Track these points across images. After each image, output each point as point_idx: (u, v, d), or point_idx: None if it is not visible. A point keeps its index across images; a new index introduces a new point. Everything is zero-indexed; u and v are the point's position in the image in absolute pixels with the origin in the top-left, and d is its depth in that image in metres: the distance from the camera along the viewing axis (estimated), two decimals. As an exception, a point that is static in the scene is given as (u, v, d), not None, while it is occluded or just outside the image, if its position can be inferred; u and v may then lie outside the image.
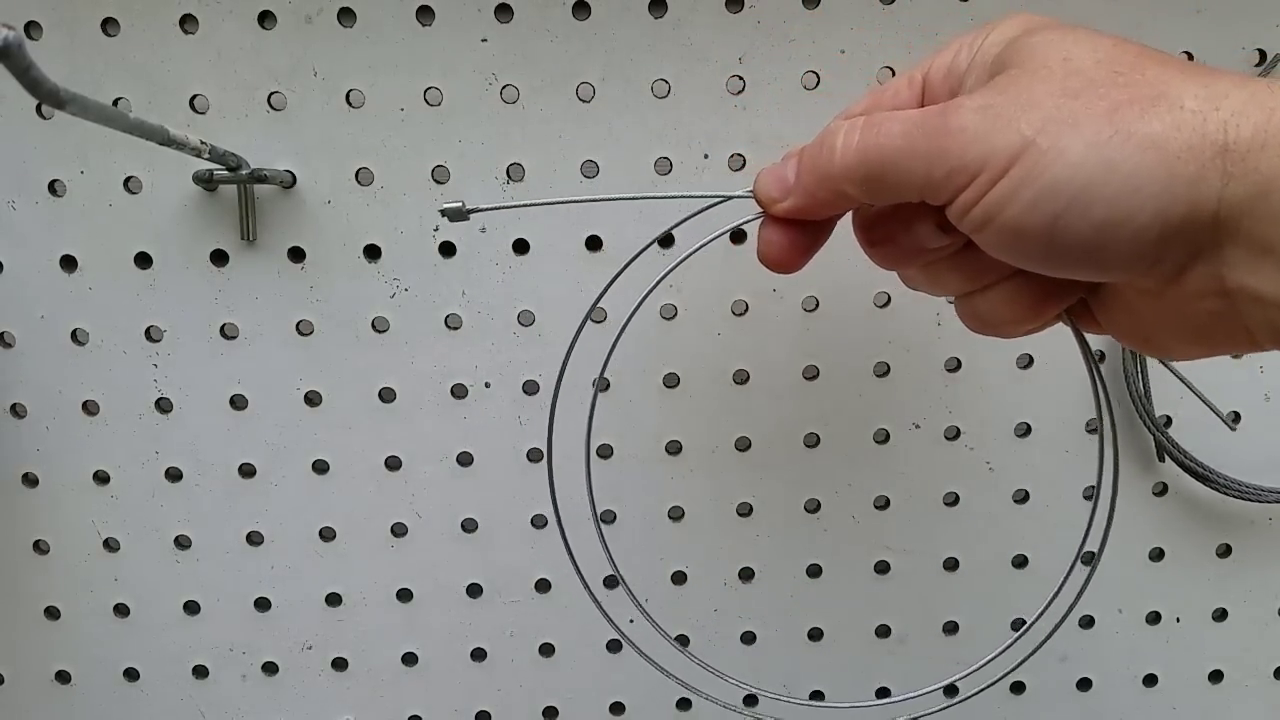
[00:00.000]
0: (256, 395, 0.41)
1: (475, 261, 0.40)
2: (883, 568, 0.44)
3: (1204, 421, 0.42)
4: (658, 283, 0.31)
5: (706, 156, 0.39)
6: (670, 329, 0.41)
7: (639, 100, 0.39)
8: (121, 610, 0.43)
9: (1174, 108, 0.21)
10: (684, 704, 0.45)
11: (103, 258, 0.40)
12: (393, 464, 0.42)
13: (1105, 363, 0.42)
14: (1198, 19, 0.38)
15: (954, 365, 0.42)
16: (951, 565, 0.44)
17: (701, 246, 0.31)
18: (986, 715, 0.45)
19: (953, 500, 0.43)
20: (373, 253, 0.40)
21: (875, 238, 0.28)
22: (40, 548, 0.43)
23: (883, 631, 0.45)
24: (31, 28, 0.37)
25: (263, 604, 0.43)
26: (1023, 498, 0.43)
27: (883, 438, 0.42)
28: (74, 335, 0.40)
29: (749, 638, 0.44)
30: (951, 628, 0.44)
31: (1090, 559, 0.32)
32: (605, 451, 0.42)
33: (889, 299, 0.41)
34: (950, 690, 0.38)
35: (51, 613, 0.43)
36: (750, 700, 0.42)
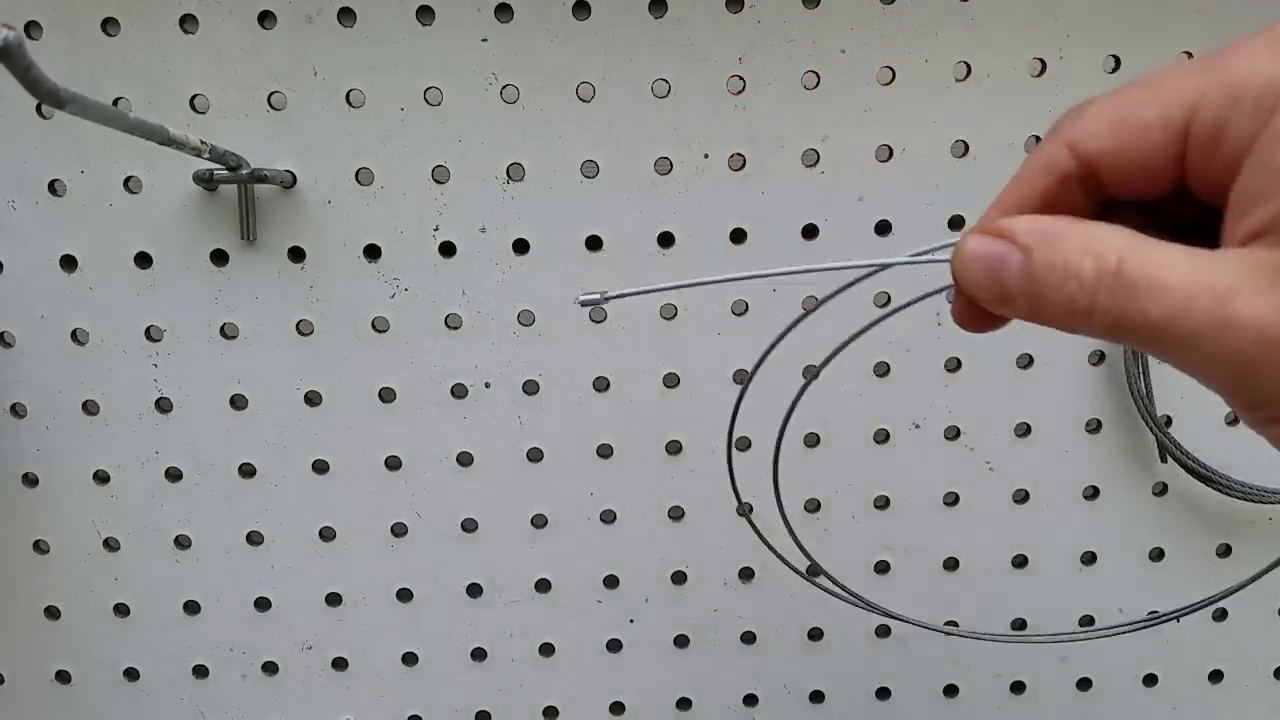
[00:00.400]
0: (256, 395, 0.41)
1: (475, 261, 0.40)
2: (883, 568, 0.44)
3: (1205, 421, 0.42)
4: (856, 335, 0.29)
5: (706, 156, 0.39)
6: (670, 329, 0.41)
7: (639, 100, 0.39)
8: (121, 610, 0.43)
9: None
10: (684, 704, 0.45)
11: (103, 257, 0.40)
12: (393, 464, 0.42)
13: (1105, 363, 0.42)
14: (1196, 19, 0.38)
15: (954, 365, 0.42)
16: (951, 565, 0.44)
17: (902, 308, 0.27)
18: (987, 715, 0.45)
19: (953, 500, 0.43)
20: (373, 253, 0.40)
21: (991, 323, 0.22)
22: (40, 547, 0.43)
23: (882, 631, 0.45)
24: (31, 27, 0.37)
25: (263, 604, 0.43)
26: (1023, 498, 0.43)
27: (883, 438, 0.42)
28: (74, 335, 0.40)
29: (749, 638, 0.44)
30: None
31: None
32: (605, 451, 0.42)
33: (888, 299, 0.41)
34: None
35: (51, 612, 0.43)
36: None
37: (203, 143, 0.33)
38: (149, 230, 0.39)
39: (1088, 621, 0.44)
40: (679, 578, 0.44)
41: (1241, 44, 0.19)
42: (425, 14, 0.38)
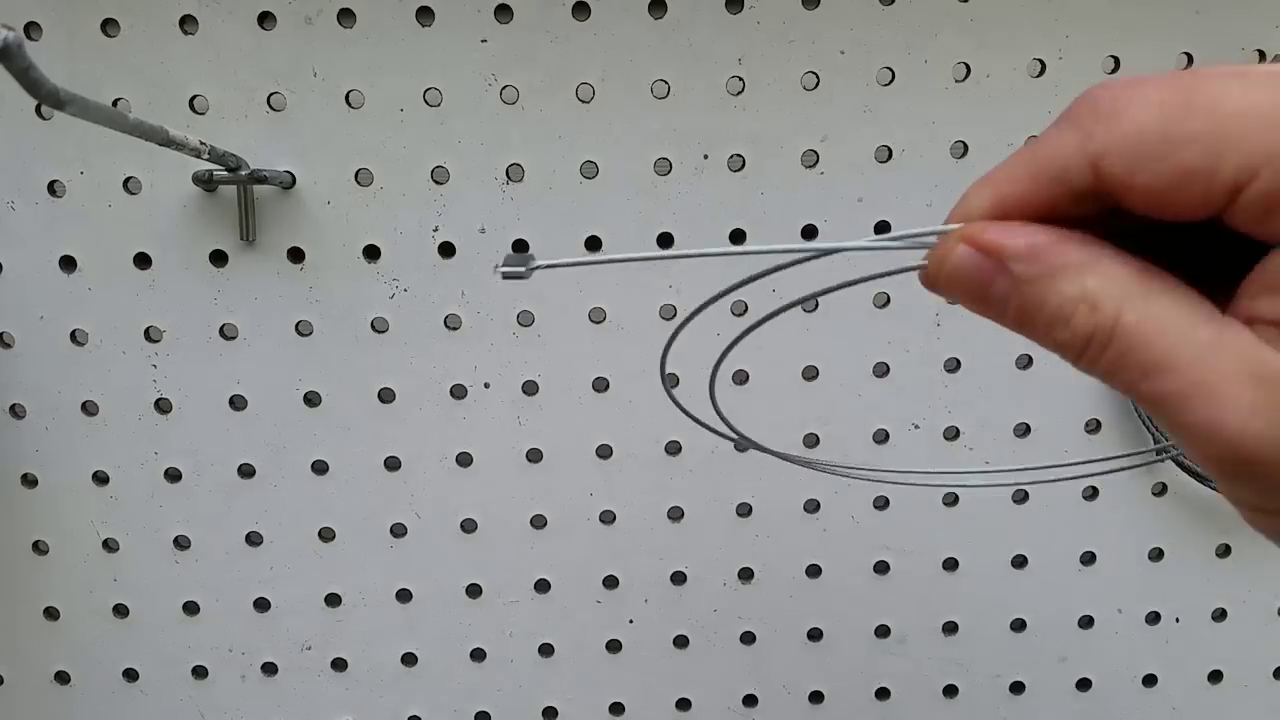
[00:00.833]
0: (256, 396, 0.41)
1: (475, 262, 0.40)
2: (882, 568, 0.44)
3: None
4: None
5: (706, 157, 0.39)
6: (670, 329, 0.41)
7: (639, 100, 0.39)
8: (121, 611, 0.43)
9: None
10: (684, 704, 0.45)
11: (102, 258, 0.40)
12: (392, 464, 0.42)
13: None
14: (1198, 19, 0.38)
15: (954, 365, 0.42)
16: (951, 565, 0.44)
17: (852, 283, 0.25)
18: (987, 715, 0.45)
19: (952, 500, 0.43)
20: (372, 253, 0.40)
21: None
22: (39, 548, 0.43)
23: (882, 631, 0.45)
24: (31, 28, 0.37)
25: (262, 604, 0.43)
26: (1022, 498, 0.43)
27: (882, 438, 0.42)
28: (73, 336, 0.40)
29: (749, 638, 0.44)
30: (951, 628, 0.44)
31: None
32: (605, 452, 0.42)
33: (889, 299, 0.41)
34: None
35: (51, 613, 0.43)
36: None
37: (202, 143, 0.33)
38: (148, 231, 0.39)
39: (1087, 622, 0.44)
40: (678, 578, 0.44)
41: None
42: (425, 15, 0.38)
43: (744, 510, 0.43)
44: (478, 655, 0.44)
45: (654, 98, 0.39)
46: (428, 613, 0.44)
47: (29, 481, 0.42)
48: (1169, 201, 0.16)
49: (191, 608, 0.43)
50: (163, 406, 0.41)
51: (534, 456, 0.42)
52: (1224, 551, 0.44)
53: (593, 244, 0.40)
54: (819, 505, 0.43)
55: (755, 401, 0.42)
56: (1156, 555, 0.44)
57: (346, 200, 0.39)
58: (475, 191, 0.39)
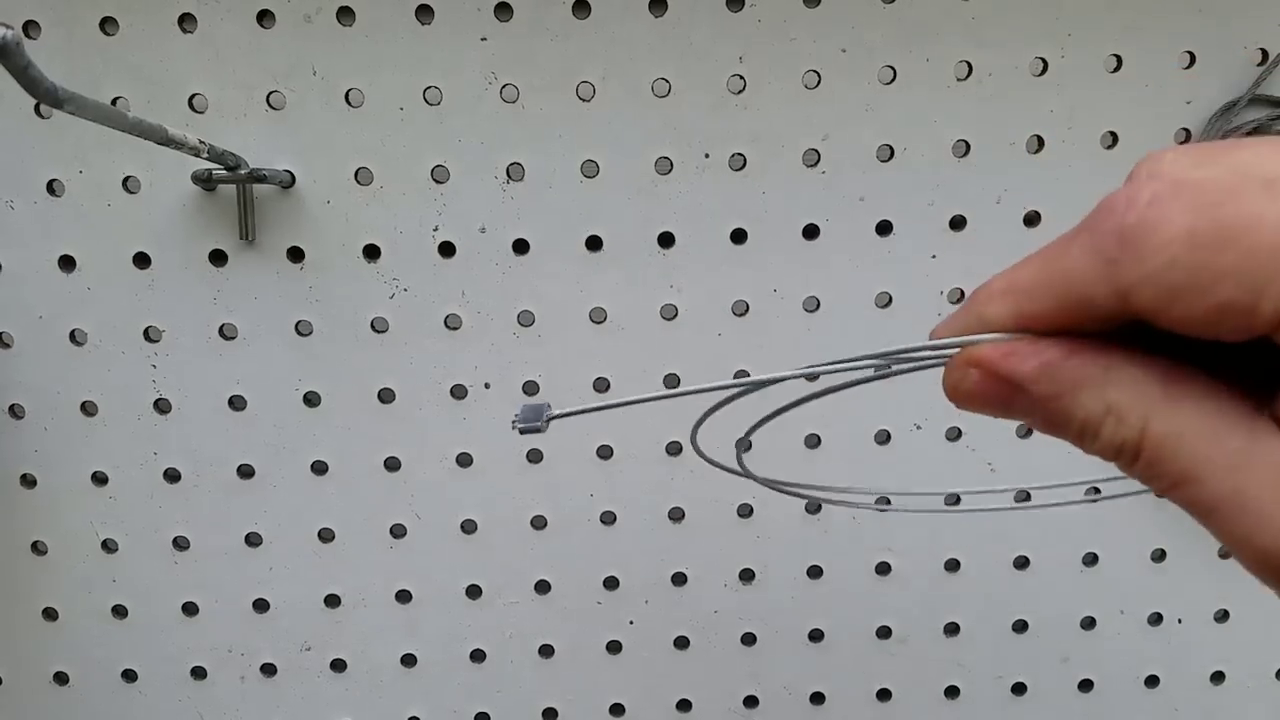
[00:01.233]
0: (255, 396, 0.41)
1: (475, 261, 0.40)
2: (883, 568, 0.44)
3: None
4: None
5: (707, 156, 0.39)
6: (670, 329, 0.41)
7: (640, 99, 0.39)
8: (120, 611, 0.43)
9: None
10: (684, 705, 0.45)
11: (101, 258, 0.40)
12: (392, 464, 0.42)
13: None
14: (1198, 19, 0.38)
15: (955, 365, 0.41)
16: (953, 566, 0.44)
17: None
18: (988, 716, 0.45)
19: (953, 501, 0.43)
20: (372, 253, 0.40)
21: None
22: (38, 549, 0.43)
23: (883, 632, 0.44)
24: (30, 27, 0.37)
25: (261, 605, 0.43)
26: (1023, 498, 0.43)
27: (884, 438, 0.42)
28: (72, 336, 0.40)
29: (749, 639, 0.44)
30: (952, 628, 0.44)
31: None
32: (605, 452, 0.42)
33: (889, 299, 0.41)
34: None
35: (50, 614, 0.43)
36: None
37: (201, 142, 0.33)
38: (147, 230, 0.39)
39: (1090, 623, 0.44)
40: (679, 579, 0.44)
41: None
42: (425, 13, 0.38)
43: (745, 511, 0.43)
44: (477, 656, 0.44)
45: (655, 96, 0.39)
46: (427, 613, 0.43)
47: (28, 482, 0.42)
48: (1208, 329, 0.15)
49: (190, 608, 0.43)
50: (162, 406, 0.41)
51: (534, 457, 0.42)
52: (1226, 552, 0.44)
53: (593, 243, 0.40)
54: (819, 506, 0.43)
55: (756, 402, 0.42)
56: (1159, 556, 0.44)
57: (346, 199, 0.39)
58: (475, 191, 0.39)
